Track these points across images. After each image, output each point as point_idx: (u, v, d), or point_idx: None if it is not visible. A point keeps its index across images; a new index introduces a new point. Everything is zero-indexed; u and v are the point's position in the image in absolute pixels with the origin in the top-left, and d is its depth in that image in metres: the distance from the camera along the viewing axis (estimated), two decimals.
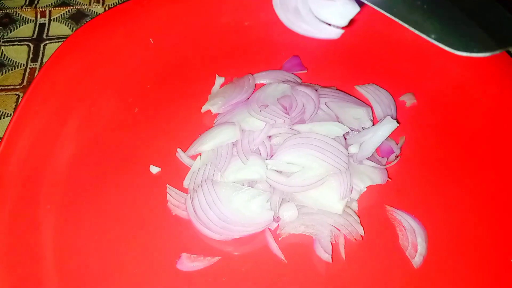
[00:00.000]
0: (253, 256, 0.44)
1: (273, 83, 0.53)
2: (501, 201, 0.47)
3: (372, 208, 0.46)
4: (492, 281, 0.42)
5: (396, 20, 0.34)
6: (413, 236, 0.44)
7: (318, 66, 0.57)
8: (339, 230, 0.44)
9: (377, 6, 0.35)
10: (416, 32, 0.33)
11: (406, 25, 0.34)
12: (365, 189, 0.46)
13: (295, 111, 0.50)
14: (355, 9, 0.39)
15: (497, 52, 0.33)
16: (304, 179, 0.44)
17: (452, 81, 0.55)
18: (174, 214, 0.46)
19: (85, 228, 0.45)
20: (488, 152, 0.50)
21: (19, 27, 0.65)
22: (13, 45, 0.63)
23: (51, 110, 0.50)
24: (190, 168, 0.48)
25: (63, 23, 0.66)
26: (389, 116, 0.48)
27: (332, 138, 0.46)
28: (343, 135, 0.48)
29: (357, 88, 0.55)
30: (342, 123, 0.49)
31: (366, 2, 0.36)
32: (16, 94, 0.58)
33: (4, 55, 0.62)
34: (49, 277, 0.41)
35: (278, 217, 0.45)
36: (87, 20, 0.66)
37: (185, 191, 0.47)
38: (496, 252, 0.44)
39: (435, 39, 0.33)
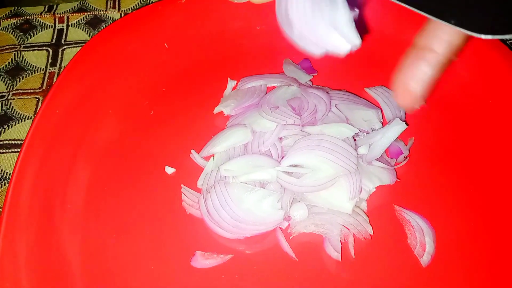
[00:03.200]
0: (264, 254, 0.45)
1: (283, 86, 0.54)
2: (510, 201, 0.47)
3: (381, 208, 0.47)
4: (500, 280, 0.43)
5: (412, 8, 0.31)
6: (421, 236, 0.45)
7: (328, 69, 0.58)
8: (348, 229, 0.45)
9: None
10: (433, 18, 0.30)
11: (423, 13, 0.30)
12: (374, 189, 0.47)
13: (307, 112, 0.51)
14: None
15: None
16: (315, 180, 0.45)
17: (460, 83, 0.55)
18: (188, 213, 0.47)
19: (103, 227, 0.46)
20: (497, 153, 0.50)
21: (39, 32, 0.67)
22: (32, 50, 0.65)
23: (70, 113, 0.52)
24: (203, 169, 0.50)
25: (80, 29, 0.68)
26: (398, 118, 0.49)
27: (342, 140, 0.47)
28: (353, 137, 0.49)
29: (367, 90, 0.56)
30: (352, 124, 0.50)
31: None
32: (36, 98, 0.60)
33: (25, 60, 0.64)
34: (71, 273, 0.43)
35: (289, 216, 0.46)
36: (104, 26, 0.68)
37: (199, 191, 0.48)
38: (504, 252, 0.44)
39: (455, 24, 0.30)
